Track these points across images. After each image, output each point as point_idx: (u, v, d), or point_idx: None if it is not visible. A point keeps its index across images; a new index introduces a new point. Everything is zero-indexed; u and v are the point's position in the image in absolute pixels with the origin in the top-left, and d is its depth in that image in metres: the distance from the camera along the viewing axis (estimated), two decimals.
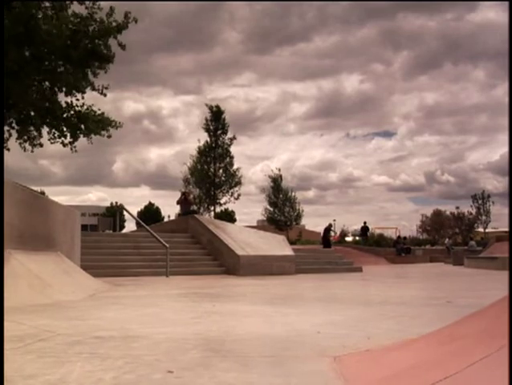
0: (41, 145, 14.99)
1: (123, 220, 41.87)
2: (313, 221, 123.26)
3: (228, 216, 37.82)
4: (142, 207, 56.91)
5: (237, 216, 47.11)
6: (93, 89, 14.44)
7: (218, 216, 32.84)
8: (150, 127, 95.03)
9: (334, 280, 11.64)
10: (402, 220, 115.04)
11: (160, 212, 57.95)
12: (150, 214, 42.16)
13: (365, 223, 29.78)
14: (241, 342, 3.57)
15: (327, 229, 26.64)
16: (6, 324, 4.48)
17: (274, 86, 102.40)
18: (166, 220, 47.26)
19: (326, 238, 25.51)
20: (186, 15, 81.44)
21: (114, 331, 4.01)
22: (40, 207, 8.58)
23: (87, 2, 13.44)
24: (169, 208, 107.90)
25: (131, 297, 7.44)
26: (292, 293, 8.51)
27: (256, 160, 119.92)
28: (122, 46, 13.96)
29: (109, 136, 15.41)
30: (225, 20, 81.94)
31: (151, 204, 59.99)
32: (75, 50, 12.94)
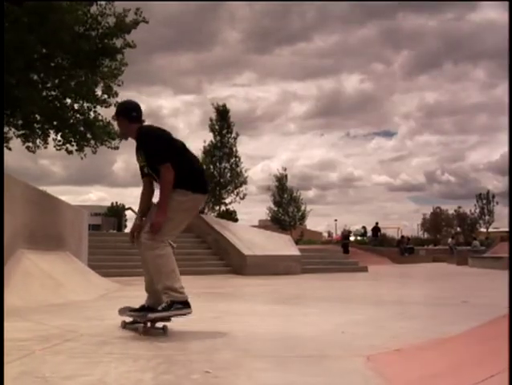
0: (45, 147, 15.01)
1: (125, 220, 41.80)
2: (313, 221, 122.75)
3: (229, 216, 37.75)
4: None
5: (238, 216, 46.90)
6: (101, 104, 14.42)
7: (220, 215, 32.78)
8: None
9: (342, 280, 11.61)
10: (402, 219, 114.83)
11: None
12: None
13: (377, 224, 29.67)
14: (268, 342, 3.56)
15: (346, 236, 26.27)
16: (25, 324, 4.47)
17: (274, 85, 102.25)
18: None
19: (345, 244, 24.62)
20: (186, 15, 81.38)
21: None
22: (50, 207, 8.55)
23: (100, 2, 13.48)
24: None
25: (142, 297, 7.38)
26: (304, 293, 8.49)
27: (256, 159, 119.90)
28: (131, 45, 13.98)
29: (116, 148, 15.39)
30: (225, 20, 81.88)
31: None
32: (85, 46, 12.96)
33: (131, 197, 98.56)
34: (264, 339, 3.66)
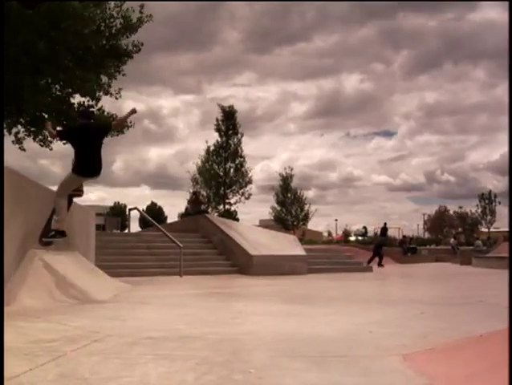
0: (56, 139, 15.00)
1: (124, 220, 41.73)
2: (313, 221, 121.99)
3: (230, 216, 37.69)
4: (144, 207, 56.69)
5: (238, 216, 46.84)
6: (106, 93, 14.38)
7: (221, 215, 32.73)
8: (150, 126, 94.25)
9: (350, 280, 11.59)
10: (402, 219, 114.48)
11: (163, 212, 57.70)
12: (153, 214, 41.97)
13: (385, 224, 29.66)
14: (297, 342, 3.53)
15: (381, 245, 21.22)
16: (46, 325, 4.45)
17: (274, 85, 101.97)
18: (172, 220, 46.96)
19: (379, 253, 20.06)
20: (186, 15, 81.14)
21: (163, 332, 3.95)
22: None
23: (109, 5, 13.48)
24: (170, 208, 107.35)
25: (156, 297, 7.38)
26: (316, 293, 8.45)
27: (256, 159, 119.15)
28: (136, 47, 13.99)
29: (117, 135, 15.38)
30: (225, 19, 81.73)
31: (153, 204, 59.72)
32: (93, 49, 12.96)
33: (131, 197, 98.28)
34: (292, 339, 3.63)
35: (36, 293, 6.16)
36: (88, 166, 6.77)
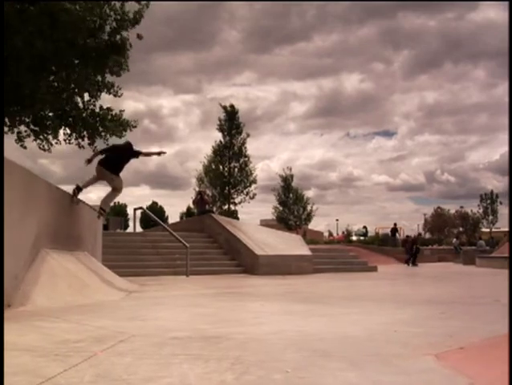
0: (57, 143, 14.91)
1: (126, 220, 41.70)
2: (313, 220, 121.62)
3: (230, 216, 37.56)
4: (144, 206, 56.64)
5: (239, 216, 46.73)
6: (109, 92, 14.33)
7: (222, 215, 32.68)
8: (150, 126, 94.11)
9: (358, 279, 11.57)
10: (402, 219, 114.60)
11: (164, 212, 57.68)
12: (155, 214, 42.01)
13: (395, 224, 30.00)
14: (327, 341, 3.51)
15: (414, 241, 22.43)
16: (67, 325, 4.42)
17: (274, 85, 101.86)
18: (172, 220, 46.71)
19: (411, 250, 21.51)
20: (186, 15, 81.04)
21: (187, 332, 3.92)
22: (70, 206, 8.46)
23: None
24: (169, 208, 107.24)
25: (169, 297, 7.35)
26: (329, 293, 8.42)
27: (256, 159, 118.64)
28: (138, 37, 13.92)
29: (123, 136, 15.32)
30: (225, 19, 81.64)
31: (154, 204, 59.67)
32: (94, 45, 12.91)
33: (130, 197, 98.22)
34: (321, 339, 3.61)
35: (49, 293, 6.12)
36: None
